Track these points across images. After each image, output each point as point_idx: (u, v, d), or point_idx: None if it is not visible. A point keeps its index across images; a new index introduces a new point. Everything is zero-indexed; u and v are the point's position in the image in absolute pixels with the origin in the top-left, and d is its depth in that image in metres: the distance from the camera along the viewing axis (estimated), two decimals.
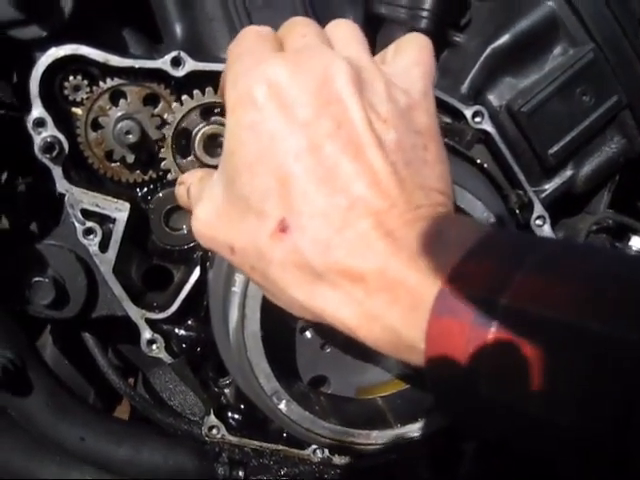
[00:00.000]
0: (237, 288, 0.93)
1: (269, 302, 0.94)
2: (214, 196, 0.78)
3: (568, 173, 1.22)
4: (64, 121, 1.03)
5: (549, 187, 1.22)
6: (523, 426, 0.61)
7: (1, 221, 1.22)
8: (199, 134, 1.04)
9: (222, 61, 1.05)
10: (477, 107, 1.11)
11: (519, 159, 1.16)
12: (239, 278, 0.93)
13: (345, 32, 0.80)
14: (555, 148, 1.17)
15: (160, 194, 1.09)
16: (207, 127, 1.04)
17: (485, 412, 0.63)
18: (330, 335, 1.09)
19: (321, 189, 0.69)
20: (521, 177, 1.15)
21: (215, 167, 1.02)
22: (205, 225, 0.79)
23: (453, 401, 0.66)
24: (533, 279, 0.60)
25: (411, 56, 0.78)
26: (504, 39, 1.15)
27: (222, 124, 1.03)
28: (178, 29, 1.08)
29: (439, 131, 0.77)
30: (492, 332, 0.59)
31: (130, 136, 1.01)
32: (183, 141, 1.06)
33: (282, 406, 0.99)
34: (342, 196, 0.69)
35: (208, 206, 0.79)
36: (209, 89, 1.03)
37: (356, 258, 0.67)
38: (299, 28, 0.79)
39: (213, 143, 1.05)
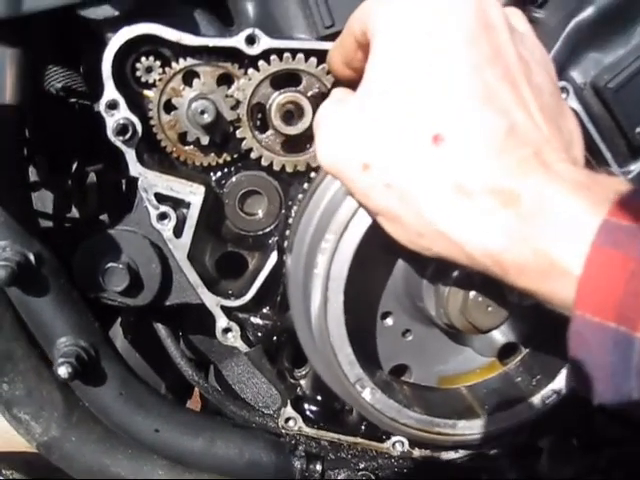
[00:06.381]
0: (319, 270, 0.89)
1: (351, 285, 0.91)
2: (346, 115, 0.75)
3: None
4: (136, 104, 1.00)
5: (635, 168, 1.16)
6: None
7: (71, 210, 1.20)
8: (274, 105, 1.00)
9: (297, 39, 1.02)
10: (562, 83, 1.06)
11: (605, 138, 1.11)
12: (321, 260, 0.89)
13: None
14: None
15: (234, 178, 1.05)
16: (281, 96, 1.00)
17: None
18: (412, 322, 1.05)
19: (483, 108, 0.67)
20: (608, 156, 1.09)
21: (294, 137, 1.00)
22: (335, 144, 0.75)
23: (599, 339, 0.59)
24: None
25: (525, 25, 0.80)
26: (588, 12, 1.10)
27: (296, 92, 1.00)
28: (250, 8, 1.05)
29: None
30: None
31: (205, 115, 0.97)
32: (259, 116, 1.02)
33: (366, 394, 0.95)
34: (503, 119, 0.67)
35: (339, 124, 0.76)
36: (274, 57, 0.99)
37: (513, 179, 0.64)
38: None
39: (289, 112, 1.00)
